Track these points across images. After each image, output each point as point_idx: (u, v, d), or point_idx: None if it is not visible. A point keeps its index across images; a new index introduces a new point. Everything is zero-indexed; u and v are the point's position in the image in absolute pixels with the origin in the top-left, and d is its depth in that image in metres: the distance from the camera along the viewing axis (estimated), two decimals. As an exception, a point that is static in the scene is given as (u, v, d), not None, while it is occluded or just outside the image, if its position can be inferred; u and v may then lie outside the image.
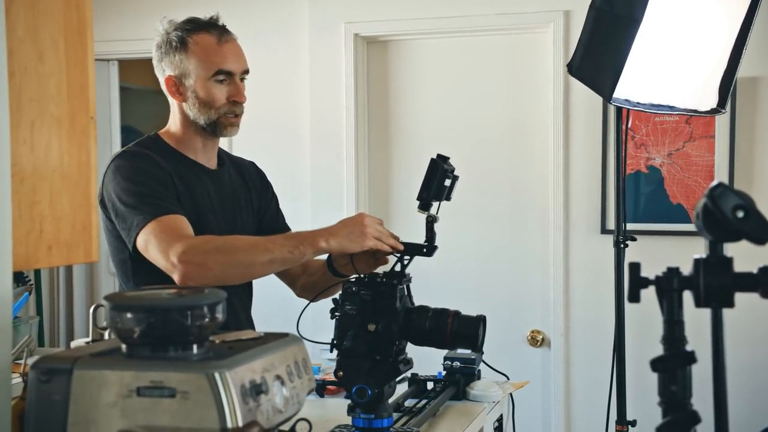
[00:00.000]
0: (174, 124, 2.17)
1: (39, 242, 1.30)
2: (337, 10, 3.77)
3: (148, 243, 1.92)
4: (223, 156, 2.29)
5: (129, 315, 1.23)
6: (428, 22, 3.69)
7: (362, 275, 1.86)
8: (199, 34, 2.10)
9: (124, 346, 1.27)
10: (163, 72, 2.13)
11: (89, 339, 2.10)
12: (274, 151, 3.89)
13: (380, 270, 1.89)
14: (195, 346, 1.26)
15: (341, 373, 1.82)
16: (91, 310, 2.09)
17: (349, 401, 2.14)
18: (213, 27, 2.12)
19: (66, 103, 1.34)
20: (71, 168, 1.36)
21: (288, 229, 2.36)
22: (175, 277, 1.86)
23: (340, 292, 1.85)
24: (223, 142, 3.92)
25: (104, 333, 2.07)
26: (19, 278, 3.67)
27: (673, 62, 2.61)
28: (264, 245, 1.93)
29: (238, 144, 3.92)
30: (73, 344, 2.17)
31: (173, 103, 2.15)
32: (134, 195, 1.96)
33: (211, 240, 1.95)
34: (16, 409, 1.28)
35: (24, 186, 1.27)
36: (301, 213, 3.74)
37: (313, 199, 3.82)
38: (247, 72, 2.19)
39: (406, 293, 1.88)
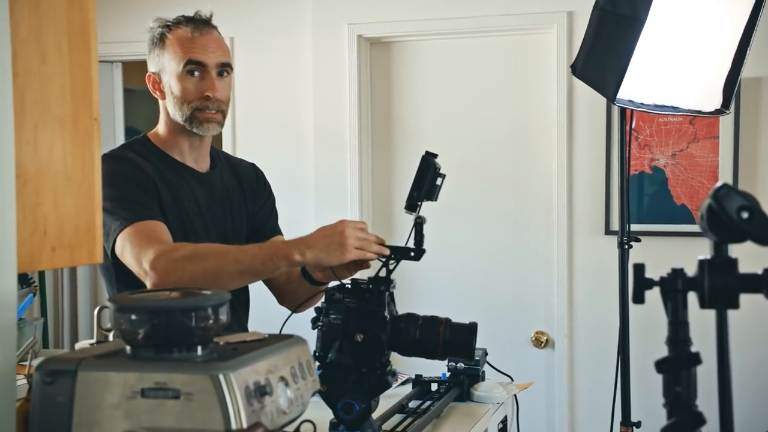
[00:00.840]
0: (161, 124, 2.13)
1: (43, 244, 1.30)
2: (341, 11, 3.77)
3: (123, 248, 1.88)
4: (217, 157, 2.24)
5: (133, 316, 1.23)
6: (431, 23, 3.69)
7: (342, 282, 1.77)
8: (177, 28, 2.05)
9: (128, 348, 1.27)
10: (147, 70, 2.11)
11: (93, 340, 2.10)
12: (278, 152, 3.89)
13: (364, 276, 1.79)
14: (199, 348, 1.26)
15: (325, 387, 1.71)
16: (96, 312, 2.09)
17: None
18: (191, 21, 2.06)
19: (69, 104, 1.34)
20: (75, 169, 1.36)
21: (278, 231, 2.29)
22: (148, 284, 1.82)
23: (323, 300, 1.76)
24: (227, 144, 3.95)
25: (108, 334, 2.07)
26: (23, 280, 3.67)
27: (677, 63, 2.60)
28: (235, 255, 1.84)
29: (242, 145, 3.93)
30: (77, 346, 2.17)
31: (160, 102, 2.11)
32: (113, 200, 1.90)
33: (181, 247, 1.88)
34: (20, 410, 1.28)
35: (27, 187, 1.27)
36: (305, 214, 3.74)
37: (316, 200, 3.82)
38: (225, 66, 2.08)
39: (391, 300, 1.78)
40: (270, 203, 2.33)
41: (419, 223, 1.79)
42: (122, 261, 1.91)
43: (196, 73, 2.03)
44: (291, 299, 2.15)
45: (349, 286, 1.74)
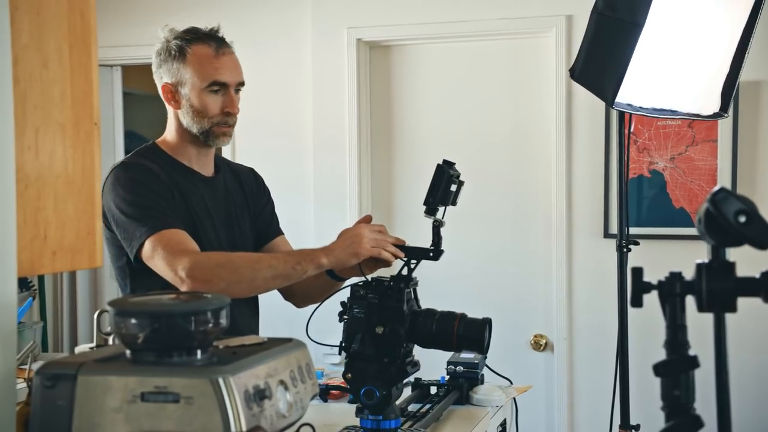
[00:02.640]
0: (170, 131, 2.20)
1: (43, 248, 1.30)
2: (340, 15, 3.78)
3: (154, 254, 1.97)
4: (220, 163, 2.32)
5: (133, 320, 1.24)
6: (431, 26, 3.69)
7: (367, 278, 1.90)
8: (198, 44, 2.14)
9: (128, 352, 1.28)
10: (160, 79, 2.18)
11: (93, 344, 2.11)
12: (277, 155, 3.90)
13: (387, 274, 1.92)
14: (199, 352, 1.27)
15: (350, 375, 1.85)
16: (96, 316, 2.10)
17: (353, 405, 2.18)
18: (211, 38, 2.16)
19: (70, 109, 1.35)
20: (75, 174, 1.36)
21: (280, 233, 2.39)
22: (183, 290, 1.91)
23: (348, 295, 1.88)
24: (227, 147, 3.95)
25: (108, 338, 2.08)
26: (23, 283, 3.68)
27: (676, 66, 2.61)
28: (267, 261, 2.01)
29: (242, 149, 3.94)
30: (77, 350, 2.18)
31: (169, 110, 2.19)
32: (135, 206, 2.00)
33: (214, 256, 2.00)
34: (20, 414, 1.29)
35: (28, 192, 1.27)
36: (304, 217, 3.75)
37: (315, 203, 3.82)
38: (242, 84, 2.22)
39: (412, 296, 1.92)
40: (270, 206, 2.41)
41: (437, 226, 1.93)
42: (149, 265, 1.99)
43: (218, 91, 2.14)
44: (303, 295, 2.28)
45: (373, 283, 1.88)
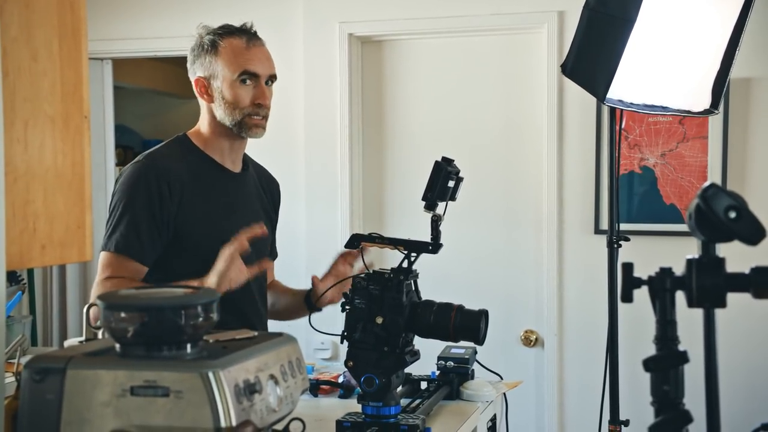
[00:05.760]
0: (203, 125, 2.22)
1: (32, 241, 1.30)
2: (332, 9, 3.77)
3: (99, 266, 2.05)
4: (248, 161, 2.34)
5: (123, 314, 1.23)
6: (423, 22, 3.69)
7: (369, 270, 1.94)
8: (230, 37, 2.18)
9: (117, 346, 1.27)
10: (194, 73, 2.21)
11: (83, 338, 2.10)
12: (268, 151, 3.86)
13: (388, 266, 1.97)
14: (189, 346, 1.26)
15: (351, 363, 1.90)
16: (85, 310, 2.09)
17: (343, 400, 2.20)
18: (243, 32, 2.21)
19: (60, 102, 1.34)
20: (65, 167, 1.36)
21: (275, 254, 2.46)
22: None
23: (350, 287, 1.92)
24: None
25: (98, 332, 2.07)
26: (12, 277, 3.66)
27: (667, 63, 2.61)
28: None
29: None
30: (66, 343, 2.17)
31: (203, 104, 2.21)
32: (117, 218, 2.05)
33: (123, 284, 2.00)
34: (9, 408, 1.28)
35: (17, 185, 1.27)
36: (296, 213, 3.74)
37: (307, 199, 3.82)
38: (273, 77, 2.25)
39: (413, 288, 1.96)
40: (275, 221, 2.44)
41: (435, 221, 1.96)
42: None
43: (249, 82, 2.16)
44: (283, 313, 2.44)
45: (374, 275, 1.92)
